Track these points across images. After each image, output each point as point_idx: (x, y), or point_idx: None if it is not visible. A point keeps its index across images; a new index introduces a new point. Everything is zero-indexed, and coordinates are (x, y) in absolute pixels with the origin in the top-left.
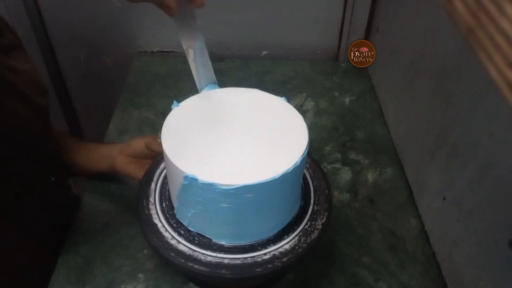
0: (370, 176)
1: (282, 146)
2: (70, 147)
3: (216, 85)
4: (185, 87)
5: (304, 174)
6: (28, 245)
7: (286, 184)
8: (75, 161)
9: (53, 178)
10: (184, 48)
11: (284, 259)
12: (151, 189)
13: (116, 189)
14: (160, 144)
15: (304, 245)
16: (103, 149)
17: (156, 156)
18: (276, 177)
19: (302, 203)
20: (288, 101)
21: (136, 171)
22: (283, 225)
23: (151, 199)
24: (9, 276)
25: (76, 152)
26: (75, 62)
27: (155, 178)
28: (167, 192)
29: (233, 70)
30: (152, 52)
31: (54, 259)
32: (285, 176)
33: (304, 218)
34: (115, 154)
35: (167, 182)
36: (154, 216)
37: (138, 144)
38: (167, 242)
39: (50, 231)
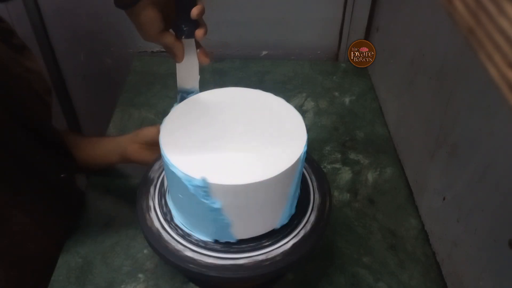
0: (370, 176)
1: (276, 150)
2: (74, 143)
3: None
4: None
5: (303, 205)
6: (38, 236)
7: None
8: (81, 157)
9: (62, 175)
10: (178, 89)
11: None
12: None
13: (116, 189)
14: None
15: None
16: (111, 142)
17: None
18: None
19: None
20: (288, 101)
21: (150, 156)
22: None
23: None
24: (18, 265)
25: (81, 147)
26: (75, 62)
27: None
28: None
29: (233, 70)
30: (152, 52)
31: (58, 254)
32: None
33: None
34: (125, 144)
35: None
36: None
37: (150, 132)
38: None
39: (59, 224)
